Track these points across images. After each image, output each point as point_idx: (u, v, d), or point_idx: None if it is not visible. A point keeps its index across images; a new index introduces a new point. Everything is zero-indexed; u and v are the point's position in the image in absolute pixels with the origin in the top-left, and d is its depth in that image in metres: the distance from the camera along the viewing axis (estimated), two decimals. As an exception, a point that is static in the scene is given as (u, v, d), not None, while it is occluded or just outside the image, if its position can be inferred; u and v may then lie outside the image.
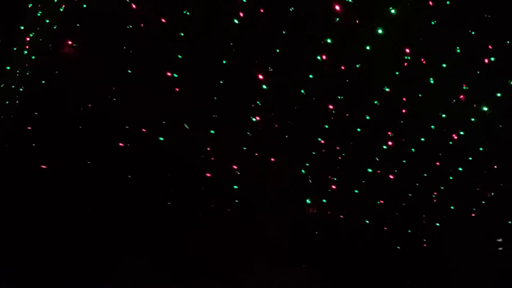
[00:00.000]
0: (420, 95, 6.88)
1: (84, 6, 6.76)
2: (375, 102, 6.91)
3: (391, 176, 6.99)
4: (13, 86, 6.72)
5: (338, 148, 6.95)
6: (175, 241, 6.66)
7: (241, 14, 6.63)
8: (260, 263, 6.63)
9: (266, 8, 6.74)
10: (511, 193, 6.92)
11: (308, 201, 6.99)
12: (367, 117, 6.88)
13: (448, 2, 6.71)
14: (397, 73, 6.86)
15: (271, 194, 6.94)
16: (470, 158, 7.00)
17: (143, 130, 6.66)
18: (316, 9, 6.69)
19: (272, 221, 6.87)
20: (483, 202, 7.02)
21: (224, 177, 6.83)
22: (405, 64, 6.79)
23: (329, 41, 6.74)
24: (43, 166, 6.67)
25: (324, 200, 6.97)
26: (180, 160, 6.81)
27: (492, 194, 6.94)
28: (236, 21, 6.66)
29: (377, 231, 6.93)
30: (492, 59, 6.75)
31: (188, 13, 6.70)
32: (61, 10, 6.77)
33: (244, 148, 6.85)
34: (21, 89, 6.67)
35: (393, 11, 6.64)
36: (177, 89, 6.72)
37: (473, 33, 6.81)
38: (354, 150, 6.98)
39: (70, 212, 6.56)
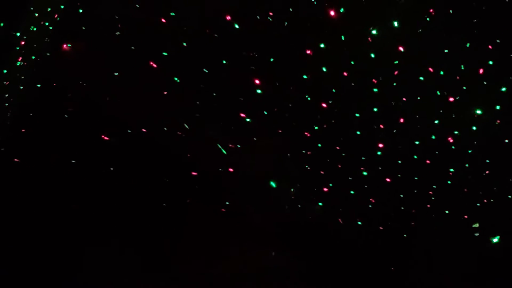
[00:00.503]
0: (418, 98, 6.95)
1: (80, 11, 6.77)
2: (371, 104, 6.97)
3: (387, 179, 7.04)
4: (10, 89, 6.73)
5: (338, 148, 7.00)
6: (171, 240, 6.67)
7: (229, 17, 6.67)
8: (253, 255, 6.67)
9: (261, 10, 6.80)
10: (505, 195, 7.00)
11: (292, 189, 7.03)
12: (364, 119, 6.95)
13: (451, 11, 6.80)
14: (393, 75, 6.94)
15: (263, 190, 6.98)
16: (467, 165, 7.07)
17: (143, 130, 6.69)
18: (313, 11, 6.75)
19: (262, 214, 6.90)
20: (478, 204, 7.08)
21: (217, 176, 6.87)
22: (401, 66, 6.86)
23: (322, 45, 6.80)
24: (39, 167, 6.67)
25: (320, 203, 7.00)
26: (177, 161, 6.84)
27: (492, 200, 7.00)
28: (236, 26, 6.72)
29: (372, 231, 6.97)
30: (491, 62, 6.84)
31: (174, 14, 6.73)
32: (60, 12, 6.79)
33: (239, 146, 6.89)
34: (21, 87, 6.68)
35: (394, 21, 6.72)
36: (176, 90, 6.76)
37: (468, 45, 6.90)
38: (350, 151, 7.03)
39: (68, 212, 6.54)
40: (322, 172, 7.02)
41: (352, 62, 6.85)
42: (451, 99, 6.99)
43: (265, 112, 6.92)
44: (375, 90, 6.97)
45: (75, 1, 6.69)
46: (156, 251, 6.59)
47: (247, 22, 6.70)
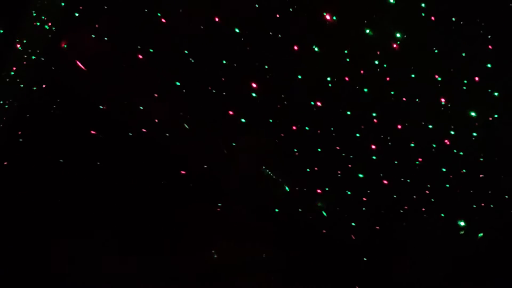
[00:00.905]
0: (417, 99, 6.98)
1: (77, 15, 6.79)
2: (370, 106, 7.01)
3: (385, 182, 7.08)
4: (9, 90, 6.73)
5: (338, 148, 7.04)
6: (171, 240, 6.67)
7: (217, 19, 6.69)
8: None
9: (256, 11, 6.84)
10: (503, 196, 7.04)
11: (287, 188, 7.05)
12: (363, 121, 6.99)
13: (453, 19, 6.85)
14: (391, 77, 6.98)
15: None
16: (464, 170, 7.11)
17: (143, 130, 6.71)
18: (308, 12, 6.79)
19: (261, 214, 6.92)
20: (474, 206, 7.12)
21: (216, 176, 6.89)
22: (400, 67, 6.90)
23: (316, 49, 6.84)
24: (38, 168, 6.66)
25: (318, 204, 7.03)
26: (176, 161, 6.86)
27: (490, 202, 7.04)
28: (237, 30, 6.75)
29: (371, 232, 7.00)
30: (489, 65, 6.89)
31: (160, 14, 6.74)
32: (60, 12, 6.80)
33: (234, 145, 6.92)
34: (20, 87, 6.67)
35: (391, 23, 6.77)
36: (176, 90, 6.79)
37: (466, 46, 6.95)
38: (348, 152, 7.06)
39: (67, 213, 6.53)
40: (320, 172, 7.05)
41: (348, 60, 6.88)
42: (446, 101, 7.03)
43: (263, 113, 6.95)
44: (373, 91, 7.00)
45: (75, 1, 6.71)
46: (155, 251, 6.59)
47: (247, 23, 6.74)
